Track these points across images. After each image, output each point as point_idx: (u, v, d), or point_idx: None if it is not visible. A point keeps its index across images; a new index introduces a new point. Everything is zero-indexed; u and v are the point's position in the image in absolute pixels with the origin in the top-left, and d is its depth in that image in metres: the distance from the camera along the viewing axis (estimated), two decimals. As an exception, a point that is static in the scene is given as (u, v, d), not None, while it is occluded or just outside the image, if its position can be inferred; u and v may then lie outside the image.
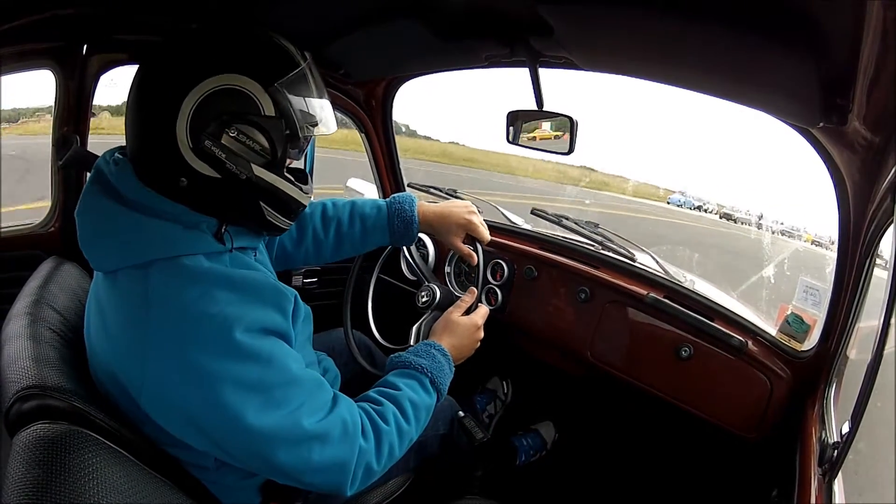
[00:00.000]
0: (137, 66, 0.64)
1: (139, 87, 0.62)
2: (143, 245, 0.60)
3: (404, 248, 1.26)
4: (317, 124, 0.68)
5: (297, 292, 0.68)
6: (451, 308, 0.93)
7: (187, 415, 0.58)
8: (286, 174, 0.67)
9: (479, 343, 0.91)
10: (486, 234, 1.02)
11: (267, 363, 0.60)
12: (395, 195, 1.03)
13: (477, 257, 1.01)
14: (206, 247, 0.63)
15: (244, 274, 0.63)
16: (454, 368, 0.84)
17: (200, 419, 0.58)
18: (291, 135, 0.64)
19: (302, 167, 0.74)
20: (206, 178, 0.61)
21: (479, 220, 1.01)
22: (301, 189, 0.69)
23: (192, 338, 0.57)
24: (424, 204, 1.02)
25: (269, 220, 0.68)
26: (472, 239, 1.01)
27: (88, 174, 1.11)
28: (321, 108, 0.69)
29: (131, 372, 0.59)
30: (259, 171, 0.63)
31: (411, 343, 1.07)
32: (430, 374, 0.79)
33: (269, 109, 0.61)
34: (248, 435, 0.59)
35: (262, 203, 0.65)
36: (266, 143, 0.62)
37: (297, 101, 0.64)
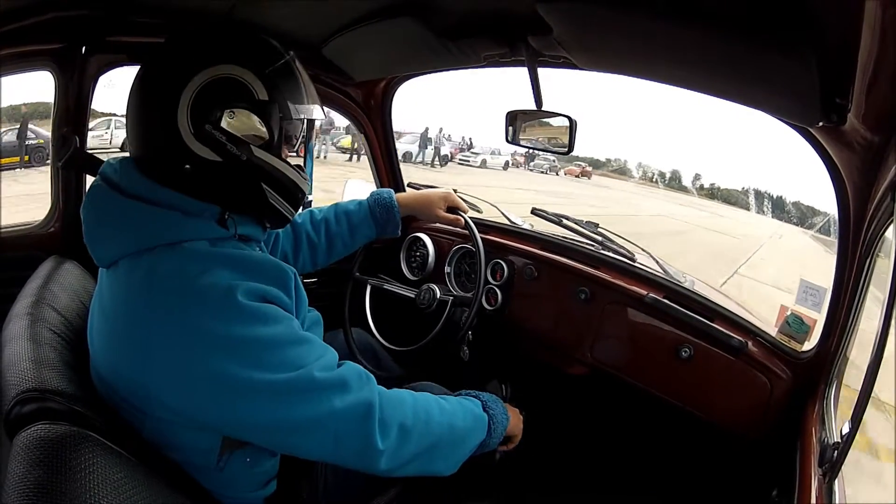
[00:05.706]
0: (137, 67, 0.66)
1: (140, 85, 0.65)
2: (142, 232, 0.62)
3: (372, 282, 1.35)
4: (308, 112, 0.71)
5: (296, 271, 0.69)
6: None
7: (201, 392, 0.58)
8: (286, 161, 0.70)
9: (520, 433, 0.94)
10: (465, 205, 1.19)
11: (274, 322, 0.61)
12: (375, 190, 1.13)
13: (463, 220, 1.16)
14: (209, 233, 0.65)
15: (244, 253, 0.65)
16: (507, 422, 0.85)
17: (214, 392, 0.58)
18: (285, 119, 0.67)
19: (302, 165, 0.76)
20: (209, 162, 0.64)
21: (455, 195, 1.18)
22: (301, 175, 0.72)
23: (197, 310, 0.58)
24: (403, 193, 1.15)
25: (272, 203, 0.69)
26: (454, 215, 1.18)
27: (88, 175, 1.13)
28: (310, 98, 0.72)
29: (136, 361, 0.59)
30: (258, 153, 0.66)
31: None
32: (482, 399, 0.83)
33: (262, 95, 0.65)
34: (265, 395, 0.58)
35: (263, 185, 0.68)
36: (262, 126, 0.66)
37: (287, 88, 0.67)
